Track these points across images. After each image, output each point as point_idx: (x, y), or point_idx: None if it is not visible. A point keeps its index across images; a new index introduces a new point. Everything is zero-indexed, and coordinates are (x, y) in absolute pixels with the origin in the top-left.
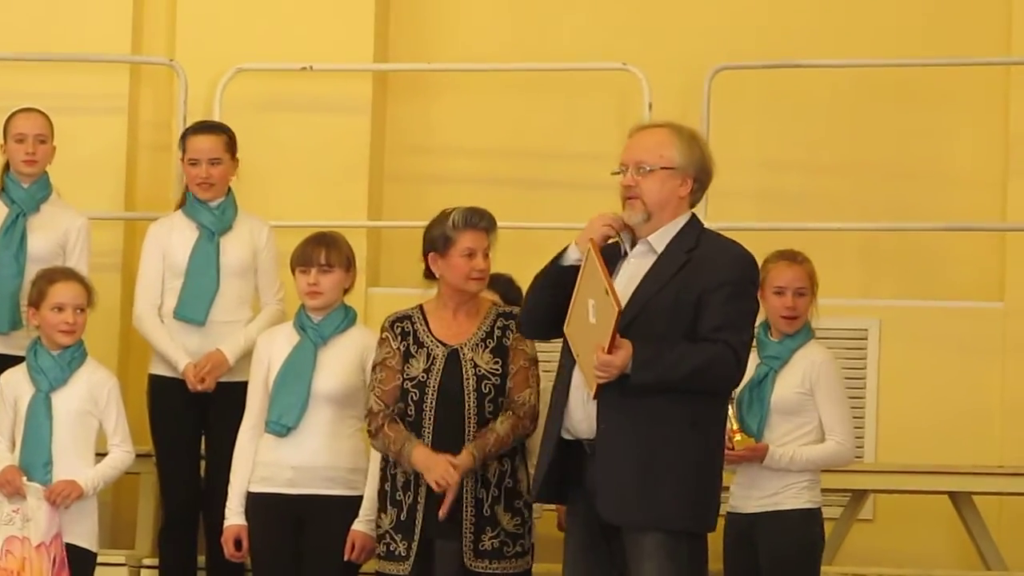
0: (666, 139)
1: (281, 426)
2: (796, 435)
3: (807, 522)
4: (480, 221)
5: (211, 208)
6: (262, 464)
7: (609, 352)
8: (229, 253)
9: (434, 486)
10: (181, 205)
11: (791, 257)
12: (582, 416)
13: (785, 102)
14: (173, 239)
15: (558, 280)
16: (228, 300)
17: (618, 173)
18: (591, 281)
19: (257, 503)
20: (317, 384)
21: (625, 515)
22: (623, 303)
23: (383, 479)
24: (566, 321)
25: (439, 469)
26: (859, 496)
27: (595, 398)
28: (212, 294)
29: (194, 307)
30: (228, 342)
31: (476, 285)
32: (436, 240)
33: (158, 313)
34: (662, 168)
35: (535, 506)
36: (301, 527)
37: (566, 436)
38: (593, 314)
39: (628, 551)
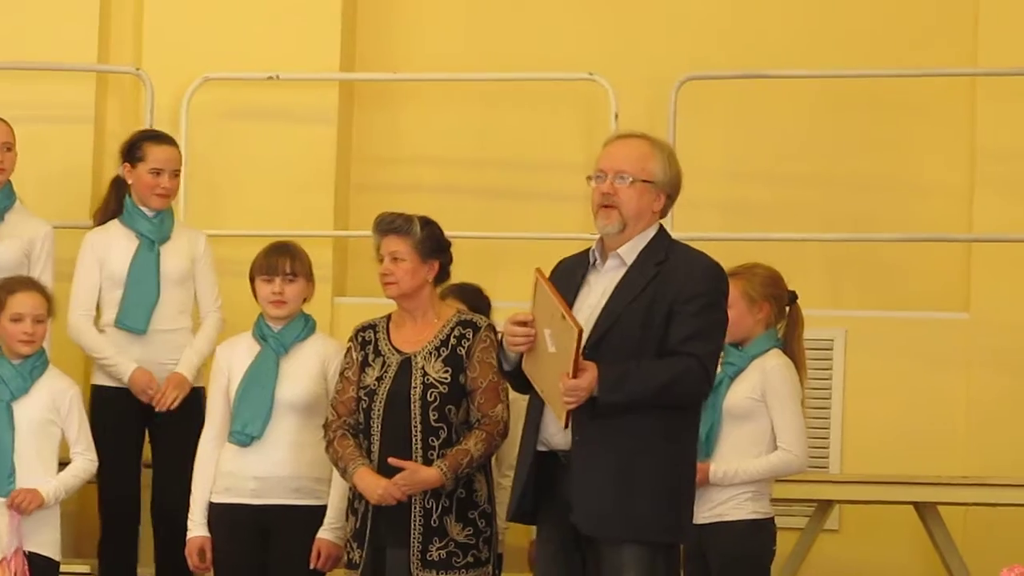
0: (648, 153)
1: (245, 436)
2: (747, 443)
3: (753, 533)
4: (384, 225)
5: (150, 218)
6: (225, 474)
7: (574, 376)
8: (168, 262)
9: (376, 502)
10: (112, 212)
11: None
12: (557, 428)
13: (752, 112)
14: (112, 249)
15: (518, 378)
16: (168, 309)
17: (594, 179)
18: (544, 311)
19: (221, 514)
20: (280, 393)
21: (603, 527)
22: (596, 316)
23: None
24: (524, 359)
25: (377, 494)
26: (824, 506)
27: (566, 427)
28: (153, 303)
29: (135, 316)
30: (183, 362)
31: (388, 290)
32: (375, 248)
33: (95, 323)
34: (643, 181)
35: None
36: (266, 538)
37: (541, 448)
38: (551, 343)
39: (604, 563)
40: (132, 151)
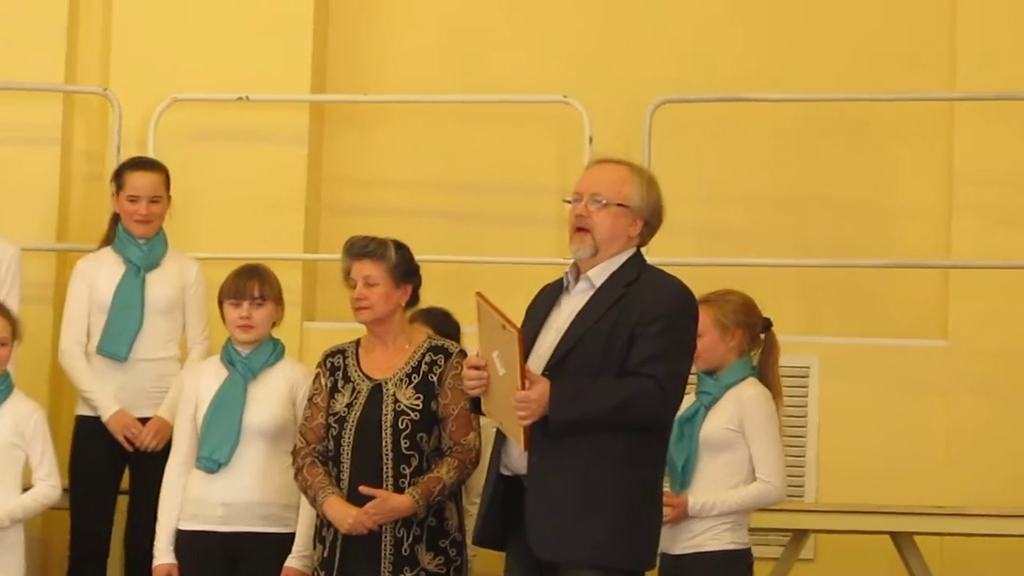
0: (626, 177)
1: (213, 462)
2: (725, 473)
3: (730, 563)
4: (356, 248)
5: (139, 244)
6: (192, 501)
7: (523, 386)
8: (155, 290)
9: (346, 531)
10: (109, 240)
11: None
12: (519, 453)
13: (728, 136)
14: (100, 275)
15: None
16: (153, 337)
17: (570, 202)
18: (489, 333)
19: (187, 541)
20: (248, 419)
21: (560, 551)
22: (559, 338)
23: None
24: (482, 401)
25: (347, 524)
26: (800, 536)
27: (526, 449)
28: (135, 331)
29: (117, 343)
30: (166, 404)
31: (361, 315)
32: (343, 273)
33: (84, 351)
34: (618, 204)
35: (471, 545)
36: (233, 565)
37: (505, 472)
38: (500, 364)
39: None
40: (116, 178)
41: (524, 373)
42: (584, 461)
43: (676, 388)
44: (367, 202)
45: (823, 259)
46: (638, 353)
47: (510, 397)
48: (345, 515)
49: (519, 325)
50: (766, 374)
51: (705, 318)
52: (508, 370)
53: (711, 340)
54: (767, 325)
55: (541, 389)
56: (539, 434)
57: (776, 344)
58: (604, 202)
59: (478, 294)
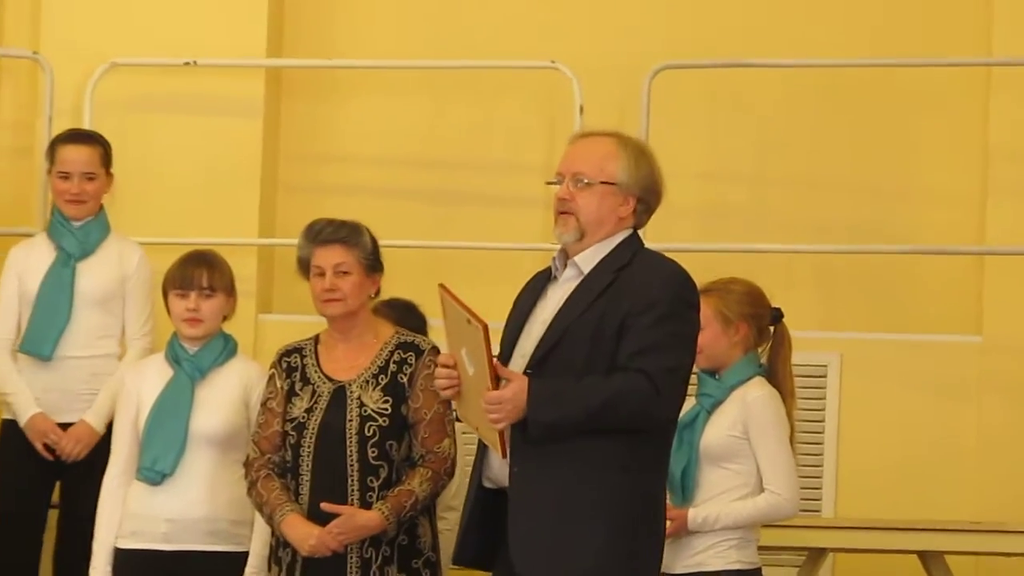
0: (611, 151)
1: (155, 473)
2: (730, 485)
3: None
4: (326, 234)
5: (74, 230)
6: (133, 516)
7: (494, 385)
8: (88, 280)
9: (308, 553)
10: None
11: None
12: (500, 463)
13: (733, 107)
14: (31, 264)
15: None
16: (82, 333)
17: (554, 183)
18: (456, 329)
19: (127, 561)
20: (196, 424)
21: (546, 570)
22: (544, 331)
23: (272, 531)
24: (454, 403)
25: (309, 545)
26: (816, 555)
27: (504, 456)
28: (62, 326)
29: (39, 340)
30: (93, 409)
31: (331, 308)
32: (300, 261)
33: (12, 349)
34: (602, 183)
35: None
36: None
37: (487, 485)
38: (469, 362)
39: None
40: (48, 154)
41: (494, 371)
42: (571, 468)
43: (672, 384)
44: (329, 180)
45: (842, 244)
46: (628, 346)
47: (481, 398)
48: (306, 535)
49: (484, 319)
50: (775, 372)
51: (706, 310)
52: (477, 369)
53: (713, 334)
54: (776, 317)
55: (516, 388)
56: (519, 439)
57: (787, 338)
58: (587, 181)
59: (441, 286)
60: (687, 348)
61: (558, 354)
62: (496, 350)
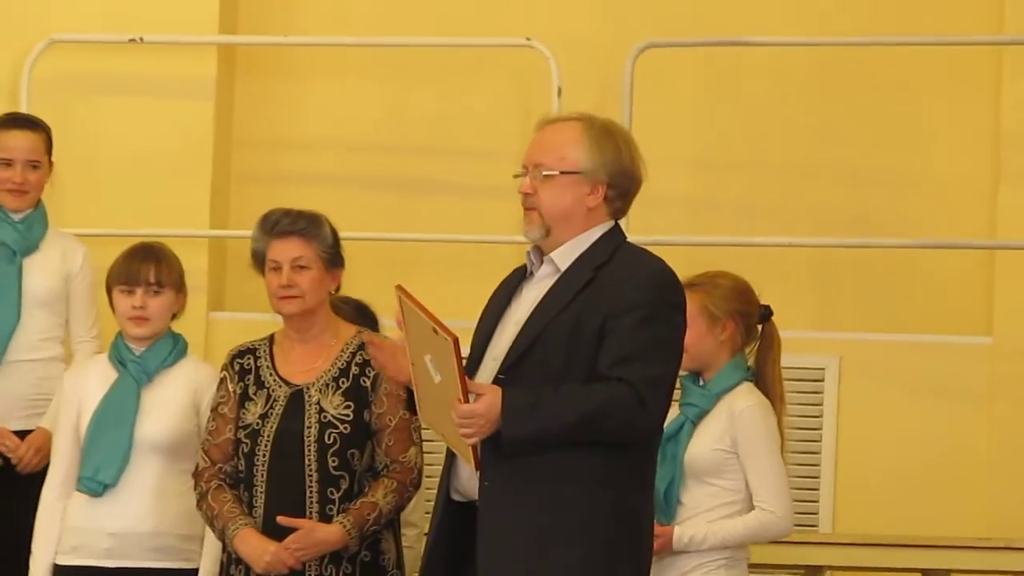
0: (572, 136)
1: (97, 483)
2: (716, 503)
3: None
4: (282, 225)
5: (14, 223)
6: (73, 530)
7: (465, 399)
8: (35, 279)
9: (263, 571)
10: None
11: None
12: (471, 473)
13: (725, 88)
14: None
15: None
16: (31, 335)
17: (520, 176)
18: (418, 335)
19: None
20: (142, 431)
21: None
22: (516, 334)
23: (224, 547)
24: (418, 408)
25: (264, 561)
26: (813, 572)
27: (477, 469)
28: (11, 327)
29: None
30: (49, 415)
31: (288, 306)
32: (254, 255)
33: None
34: (563, 172)
35: None
36: None
37: (456, 497)
38: (435, 369)
39: None
40: None
41: (465, 386)
42: (547, 484)
43: (657, 395)
44: (287, 168)
45: (841, 237)
46: (609, 352)
47: (450, 409)
48: (261, 552)
49: (453, 331)
50: (764, 375)
51: (691, 306)
52: (444, 379)
53: (698, 332)
54: (765, 315)
55: (489, 401)
56: (491, 452)
57: (776, 337)
58: (548, 173)
59: (398, 287)
60: (672, 354)
61: (533, 357)
62: (465, 352)
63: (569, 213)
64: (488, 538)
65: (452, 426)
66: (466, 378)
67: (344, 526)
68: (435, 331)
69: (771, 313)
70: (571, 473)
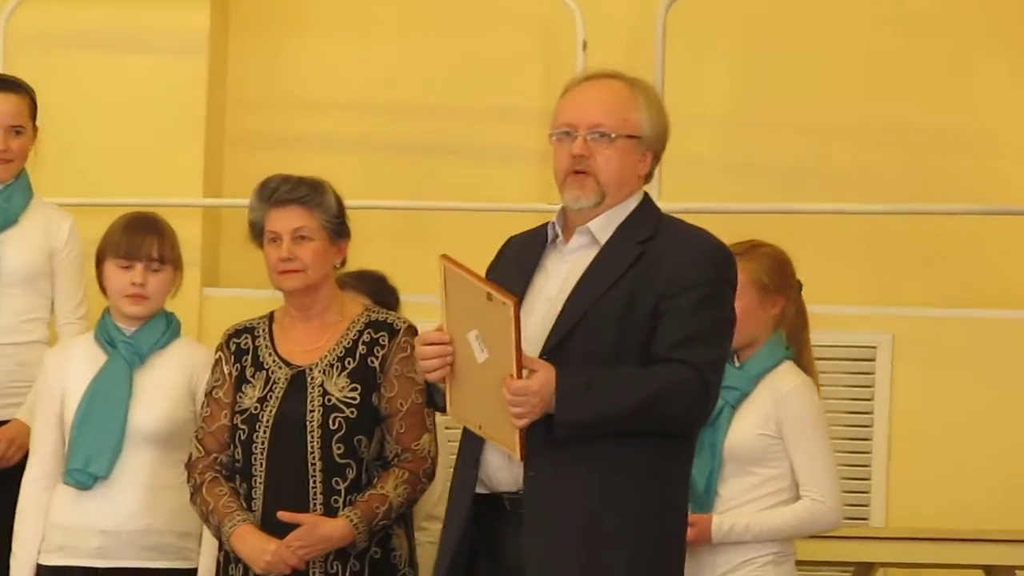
0: (630, 98)
1: (87, 475)
2: (759, 493)
3: None
4: (282, 193)
5: None
6: (59, 527)
7: (519, 374)
8: (14, 254)
9: (263, 571)
10: None
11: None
12: (501, 461)
13: (767, 41)
14: None
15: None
16: (8, 316)
17: (557, 136)
18: (462, 307)
19: None
20: (134, 419)
21: None
22: (556, 312)
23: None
24: (448, 401)
25: (264, 561)
26: (864, 570)
27: (521, 457)
28: None
29: None
30: (27, 404)
31: (288, 281)
32: (252, 226)
33: None
34: (627, 136)
35: None
36: None
37: (480, 489)
38: (481, 347)
39: None
40: None
41: (520, 358)
42: (602, 476)
43: (718, 379)
44: (286, 131)
45: (895, 204)
46: (667, 333)
47: (498, 389)
48: (260, 550)
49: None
50: (802, 355)
51: (742, 276)
52: (494, 355)
53: (749, 306)
54: (799, 289)
55: (544, 378)
56: (539, 439)
57: (806, 312)
58: (612, 136)
59: (444, 257)
60: (729, 336)
61: (578, 338)
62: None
63: (624, 180)
64: (535, 532)
65: (494, 411)
66: (522, 350)
67: (351, 520)
68: (489, 297)
69: (801, 287)
70: (623, 463)
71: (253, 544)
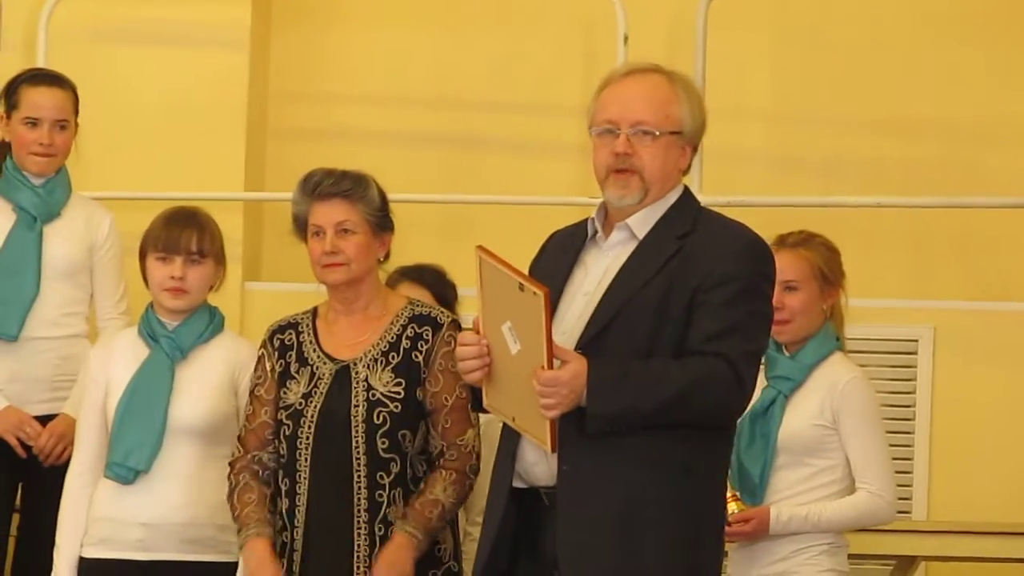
0: (671, 93)
1: (128, 470)
2: (812, 484)
3: None
4: (325, 187)
5: (34, 186)
6: (101, 520)
7: (550, 364)
8: (56, 248)
9: None
10: None
11: (780, 241)
12: (538, 456)
13: (806, 36)
14: None
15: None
16: (50, 309)
17: (598, 132)
18: (497, 298)
19: (95, 571)
20: (176, 413)
21: None
22: (594, 305)
23: None
24: (484, 393)
25: None
26: (906, 564)
27: (553, 451)
28: (29, 300)
29: (5, 317)
30: (73, 400)
31: (332, 274)
32: (295, 219)
33: None
34: (671, 133)
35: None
36: None
37: (517, 484)
38: (514, 338)
39: None
40: (8, 97)
41: (551, 349)
42: (636, 469)
43: (752, 372)
44: (329, 124)
45: (937, 197)
46: (702, 326)
47: (529, 381)
48: (259, 574)
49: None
50: (843, 347)
51: (803, 266)
52: (526, 346)
53: (810, 297)
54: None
55: (575, 369)
56: (573, 432)
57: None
58: (657, 133)
59: (479, 248)
60: (766, 331)
61: (615, 332)
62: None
63: (667, 176)
64: (569, 526)
65: (527, 403)
66: (554, 341)
67: (407, 532)
68: (521, 287)
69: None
70: (657, 456)
71: (256, 564)
